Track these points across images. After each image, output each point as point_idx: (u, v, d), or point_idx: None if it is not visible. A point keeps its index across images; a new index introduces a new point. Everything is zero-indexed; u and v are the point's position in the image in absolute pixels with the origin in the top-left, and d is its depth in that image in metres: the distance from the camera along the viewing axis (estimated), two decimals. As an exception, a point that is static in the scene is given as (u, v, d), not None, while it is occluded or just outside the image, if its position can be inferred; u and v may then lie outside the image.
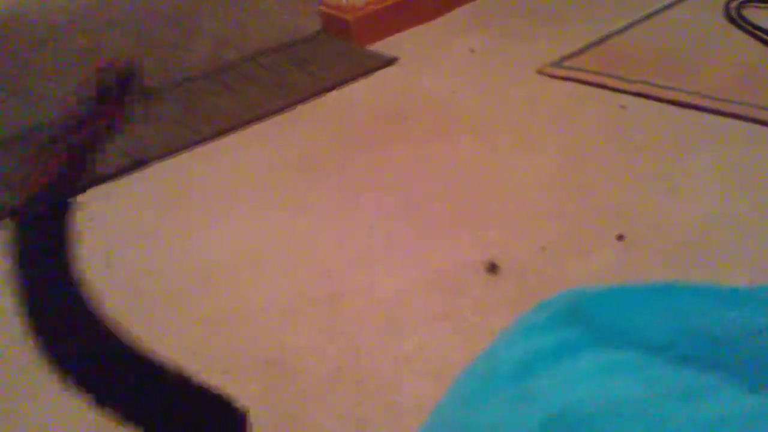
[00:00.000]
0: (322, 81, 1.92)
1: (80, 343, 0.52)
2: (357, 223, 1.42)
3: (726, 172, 1.48)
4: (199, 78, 1.95)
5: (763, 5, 2.12)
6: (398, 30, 2.17)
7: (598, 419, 0.44)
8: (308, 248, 1.36)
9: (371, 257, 1.33)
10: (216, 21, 1.99)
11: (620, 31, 2.08)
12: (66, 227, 0.51)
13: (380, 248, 1.35)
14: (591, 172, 1.52)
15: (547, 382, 0.48)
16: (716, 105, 1.69)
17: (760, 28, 1.99)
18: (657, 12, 2.18)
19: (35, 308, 0.50)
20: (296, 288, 1.27)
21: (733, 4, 2.14)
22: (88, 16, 1.79)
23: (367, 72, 1.96)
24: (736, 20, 2.06)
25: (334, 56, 2.04)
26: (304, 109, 1.82)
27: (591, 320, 0.52)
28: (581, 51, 1.98)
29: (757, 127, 1.61)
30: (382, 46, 2.09)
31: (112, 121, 0.50)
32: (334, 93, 1.88)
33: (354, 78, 1.93)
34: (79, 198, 0.51)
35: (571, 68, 1.91)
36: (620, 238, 1.32)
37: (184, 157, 1.66)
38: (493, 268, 1.27)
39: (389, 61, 2.00)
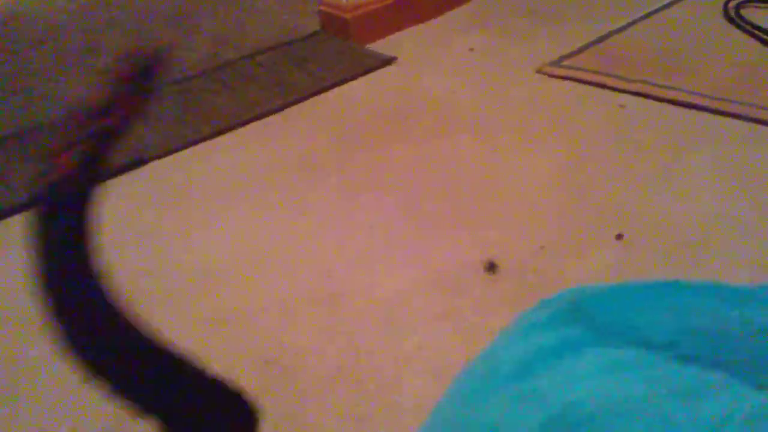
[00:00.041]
0: (322, 80, 1.92)
1: (101, 334, 0.52)
2: (357, 223, 1.42)
3: (725, 171, 1.48)
4: (198, 77, 1.95)
5: (762, 5, 2.13)
6: (398, 29, 2.17)
7: (598, 419, 0.44)
8: (308, 248, 1.36)
9: (371, 257, 1.33)
10: (215, 20, 1.99)
11: (619, 31, 2.08)
12: (88, 217, 0.50)
13: (380, 248, 1.35)
14: (590, 171, 1.52)
15: (547, 381, 0.48)
16: (715, 104, 1.69)
17: (759, 28, 2.00)
18: (656, 11, 2.18)
19: (56, 300, 0.50)
20: (296, 288, 1.27)
21: (732, 4, 2.15)
22: (88, 15, 1.79)
23: (367, 71, 1.96)
24: (735, 20, 2.06)
25: (334, 55, 2.04)
26: (303, 108, 1.82)
27: (592, 319, 0.52)
28: (580, 50, 1.99)
29: (757, 126, 1.61)
30: (382, 46, 2.09)
31: (137, 108, 0.49)
32: (333, 92, 1.88)
33: (353, 77, 1.93)
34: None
35: (570, 68, 1.91)
36: (619, 237, 1.32)
37: (183, 157, 1.66)
38: (492, 267, 1.27)
39: (388, 61, 2.00)
